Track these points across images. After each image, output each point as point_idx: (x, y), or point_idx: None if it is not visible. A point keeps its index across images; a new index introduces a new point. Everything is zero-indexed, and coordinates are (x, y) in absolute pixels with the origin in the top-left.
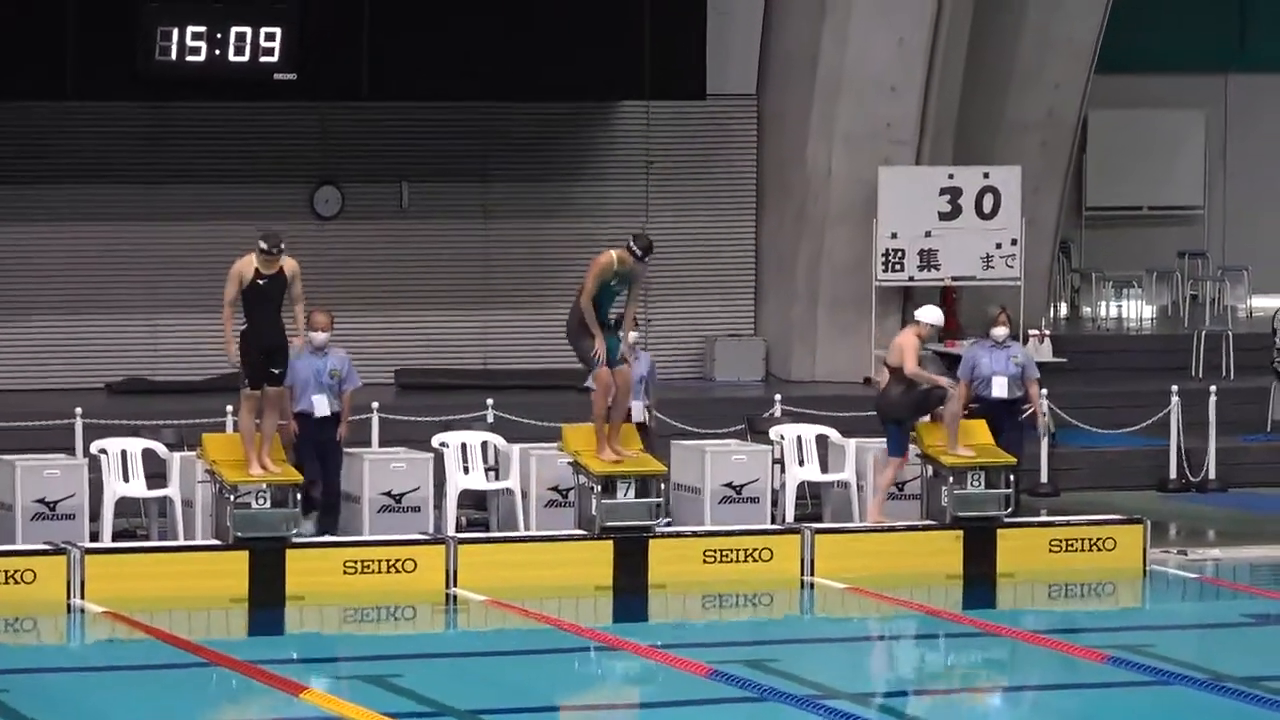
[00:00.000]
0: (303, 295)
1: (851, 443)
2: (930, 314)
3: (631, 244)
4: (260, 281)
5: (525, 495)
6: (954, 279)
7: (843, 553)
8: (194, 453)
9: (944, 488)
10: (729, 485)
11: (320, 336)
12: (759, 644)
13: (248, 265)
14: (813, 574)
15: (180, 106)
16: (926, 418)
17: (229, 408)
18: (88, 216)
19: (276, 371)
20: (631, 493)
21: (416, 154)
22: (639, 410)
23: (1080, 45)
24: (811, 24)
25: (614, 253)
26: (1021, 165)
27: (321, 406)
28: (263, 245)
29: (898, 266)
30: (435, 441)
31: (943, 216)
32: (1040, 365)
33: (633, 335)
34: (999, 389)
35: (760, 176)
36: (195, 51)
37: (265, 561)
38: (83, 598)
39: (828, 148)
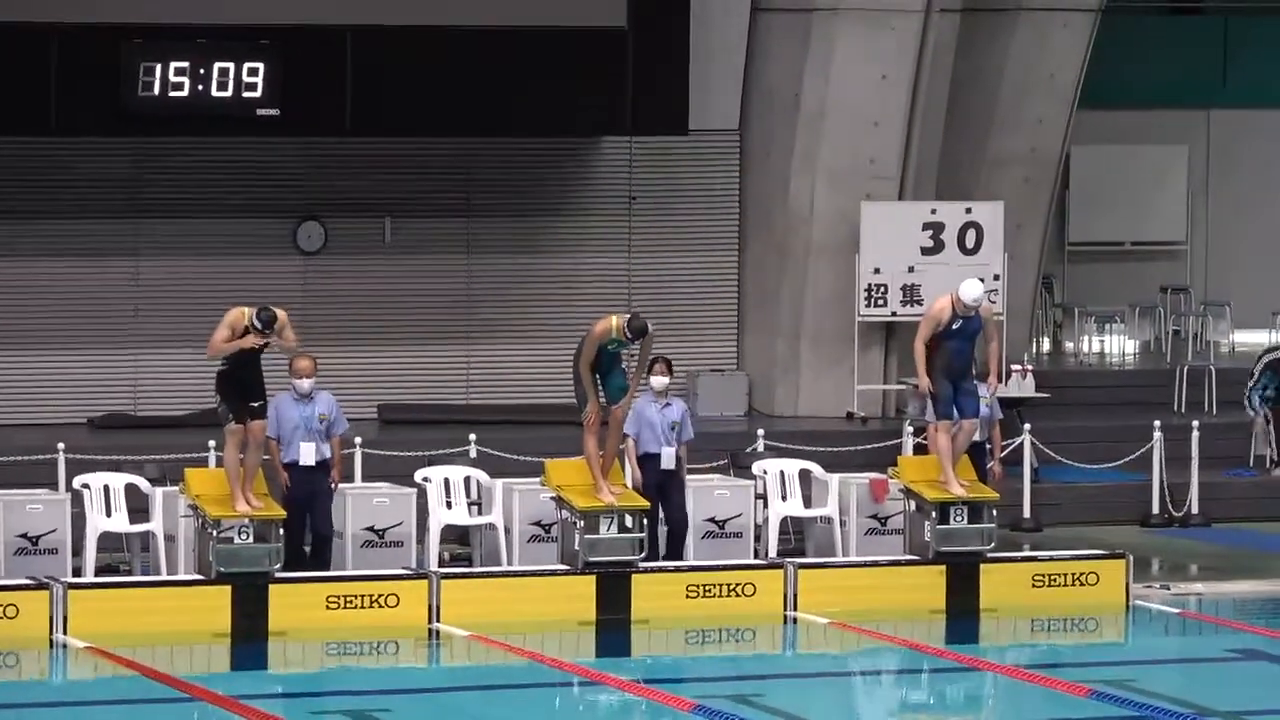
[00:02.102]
0: (295, 340)
1: (834, 478)
2: (966, 289)
3: (625, 325)
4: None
5: (508, 530)
6: None
7: (826, 587)
8: (177, 488)
9: (927, 523)
10: (712, 520)
11: (305, 384)
12: (743, 679)
13: (240, 319)
14: (796, 609)
15: (163, 142)
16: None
17: (211, 443)
18: (71, 252)
19: (256, 405)
20: (614, 528)
21: (399, 189)
22: (669, 457)
23: (1063, 81)
24: (794, 59)
25: (613, 320)
26: (1004, 200)
27: (308, 455)
28: (257, 324)
29: (880, 301)
30: (418, 476)
31: (925, 251)
32: (1022, 400)
33: (664, 380)
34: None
35: (743, 212)
36: (178, 87)
37: (248, 596)
38: (65, 633)
39: (810, 183)
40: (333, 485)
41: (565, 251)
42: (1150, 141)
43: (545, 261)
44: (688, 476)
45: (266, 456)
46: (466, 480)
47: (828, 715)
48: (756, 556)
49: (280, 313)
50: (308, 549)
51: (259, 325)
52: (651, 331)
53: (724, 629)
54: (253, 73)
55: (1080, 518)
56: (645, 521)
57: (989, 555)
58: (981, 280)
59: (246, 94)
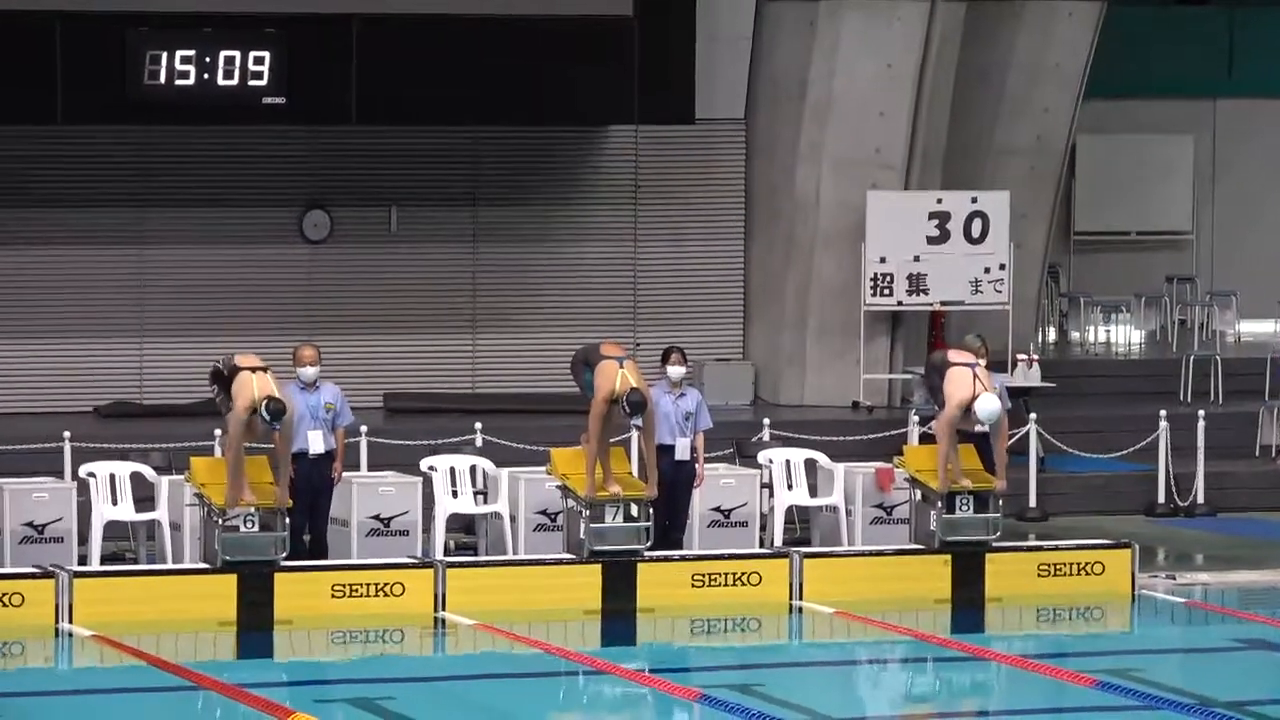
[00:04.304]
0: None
1: (840, 467)
2: (983, 407)
3: (623, 401)
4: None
5: (513, 519)
6: (943, 304)
7: (831, 577)
8: (182, 476)
9: (932, 512)
10: (717, 509)
11: (310, 371)
12: (748, 668)
13: (249, 393)
14: (801, 598)
15: (169, 130)
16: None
17: (217, 431)
18: (76, 240)
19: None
20: (620, 517)
21: (405, 178)
22: (683, 448)
23: (1069, 71)
24: (800, 49)
25: (615, 384)
26: (1010, 190)
27: (316, 443)
28: (265, 416)
29: (886, 291)
30: (424, 465)
31: (931, 241)
32: (1029, 390)
33: (680, 370)
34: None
35: (749, 201)
36: (184, 76)
37: (253, 585)
38: (71, 621)
39: (816, 172)
40: (335, 477)
41: (571, 241)
42: (1156, 131)
43: (551, 251)
44: (704, 468)
45: (270, 445)
46: (472, 469)
47: (833, 705)
48: (762, 546)
49: (290, 410)
50: (306, 539)
51: (266, 417)
52: (651, 407)
53: (729, 618)
54: (259, 61)
55: (1086, 507)
56: (651, 511)
57: (994, 545)
58: (999, 398)
59: (252, 82)
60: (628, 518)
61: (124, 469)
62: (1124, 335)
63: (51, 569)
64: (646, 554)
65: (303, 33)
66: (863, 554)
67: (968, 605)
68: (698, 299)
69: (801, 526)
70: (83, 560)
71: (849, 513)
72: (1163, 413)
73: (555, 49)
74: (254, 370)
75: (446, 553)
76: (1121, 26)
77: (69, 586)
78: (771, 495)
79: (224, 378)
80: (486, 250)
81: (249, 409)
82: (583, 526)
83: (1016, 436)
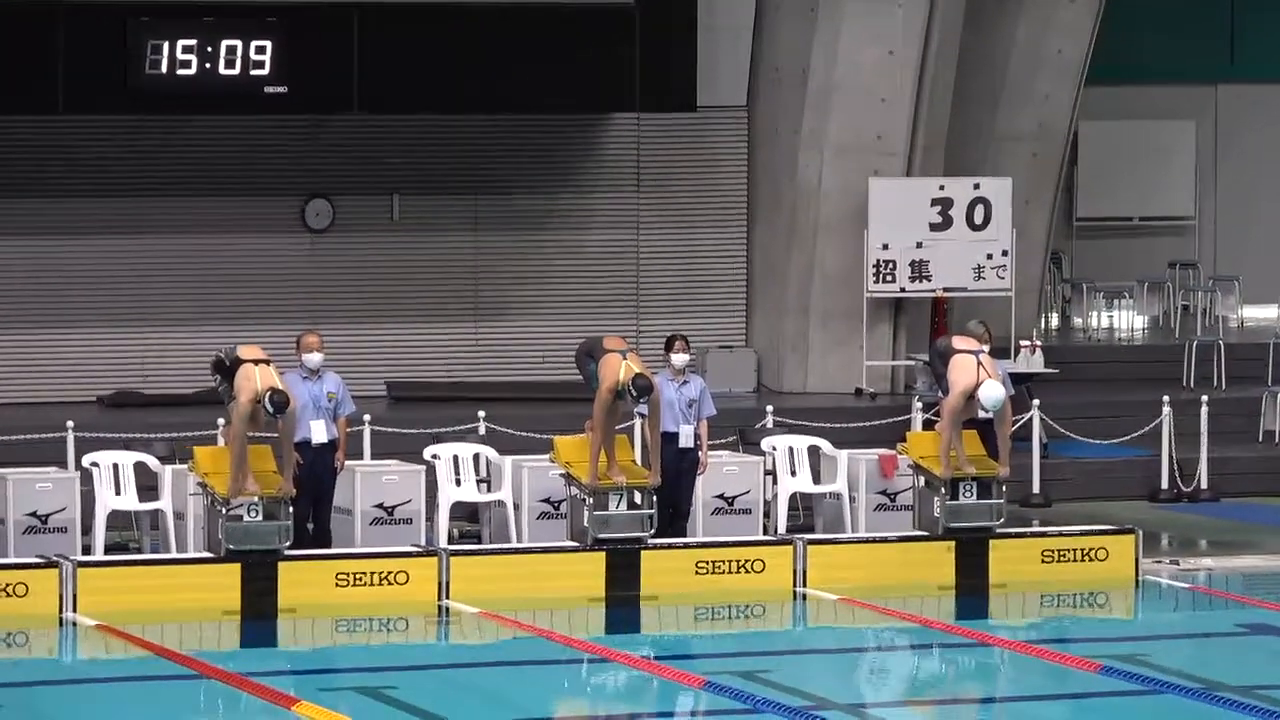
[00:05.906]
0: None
1: (843, 454)
2: (987, 394)
3: (630, 386)
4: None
5: (517, 507)
6: (945, 290)
7: (835, 564)
8: (186, 465)
9: (936, 498)
10: (721, 497)
11: (315, 358)
12: (752, 655)
13: (251, 386)
14: (805, 585)
15: (171, 120)
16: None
17: (220, 420)
18: (79, 230)
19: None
20: (623, 505)
21: (407, 167)
22: (687, 435)
23: (1070, 57)
24: (802, 36)
25: (620, 374)
26: (1012, 176)
27: (319, 433)
28: (269, 409)
29: (889, 277)
30: (427, 453)
31: (934, 228)
32: (1031, 376)
33: (684, 357)
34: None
35: (751, 188)
36: (186, 65)
37: (257, 574)
38: (75, 611)
39: (818, 159)
40: (338, 466)
41: (573, 228)
42: (1158, 117)
43: (553, 238)
44: (708, 456)
45: (273, 434)
46: (475, 457)
47: (837, 691)
48: (766, 533)
49: (294, 402)
50: (310, 527)
51: (270, 409)
52: (657, 394)
53: (733, 605)
54: (260, 50)
55: (1089, 493)
56: (655, 498)
57: (998, 531)
58: (1003, 384)
59: (254, 71)
60: (631, 505)
61: (127, 458)
62: (1126, 321)
63: (55, 559)
64: (650, 541)
65: (304, 22)
66: (866, 541)
67: (971, 591)
68: (700, 286)
69: (805, 513)
70: (86, 550)
71: (852, 499)
72: (1165, 398)
73: (557, 37)
74: (256, 363)
75: (450, 541)
76: (1123, 12)
77: (73, 576)
78: (775, 482)
79: (226, 368)
80: (489, 238)
81: (252, 401)
82: (586, 514)
83: (1019, 423)
